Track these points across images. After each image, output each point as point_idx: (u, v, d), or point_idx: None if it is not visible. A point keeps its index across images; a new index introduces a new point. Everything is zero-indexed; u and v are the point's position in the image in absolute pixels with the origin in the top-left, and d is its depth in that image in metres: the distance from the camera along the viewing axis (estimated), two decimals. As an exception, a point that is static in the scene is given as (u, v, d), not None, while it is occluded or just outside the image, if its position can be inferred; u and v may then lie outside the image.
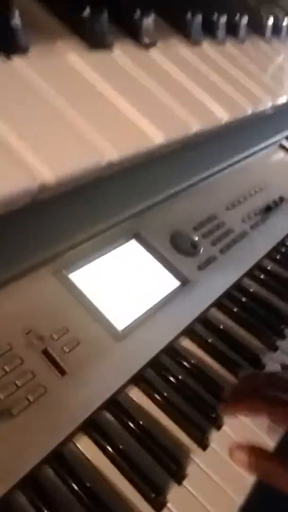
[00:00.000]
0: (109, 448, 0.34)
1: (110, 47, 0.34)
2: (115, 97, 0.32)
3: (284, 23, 0.66)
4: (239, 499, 0.34)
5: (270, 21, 0.60)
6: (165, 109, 0.36)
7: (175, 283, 0.50)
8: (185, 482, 0.34)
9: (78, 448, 0.34)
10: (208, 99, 0.41)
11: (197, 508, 0.33)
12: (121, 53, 0.35)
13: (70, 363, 0.37)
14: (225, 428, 0.39)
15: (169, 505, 0.32)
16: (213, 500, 0.33)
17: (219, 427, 0.39)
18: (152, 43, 0.38)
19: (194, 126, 0.36)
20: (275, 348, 0.49)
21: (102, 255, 0.48)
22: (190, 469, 0.35)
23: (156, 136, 0.32)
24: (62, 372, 0.36)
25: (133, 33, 0.36)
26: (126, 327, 0.42)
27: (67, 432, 0.33)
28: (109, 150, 0.28)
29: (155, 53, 0.39)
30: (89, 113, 0.29)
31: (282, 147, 0.90)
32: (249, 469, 0.33)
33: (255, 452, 0.33)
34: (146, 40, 0.37)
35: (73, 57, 0.31)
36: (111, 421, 0.36)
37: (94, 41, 0.32)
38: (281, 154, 0.88)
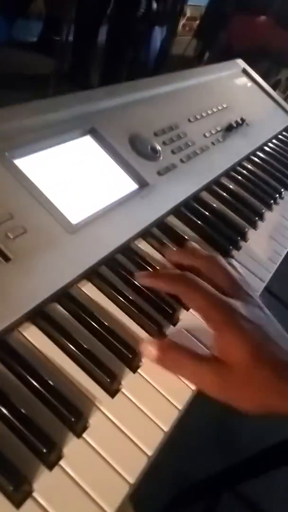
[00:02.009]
0: (60, 337, 0.31)
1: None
2: None
3: None
4: (193, 385, 0.34)
5: None
6: None
7: (133, 185, 0.47)
8: (140, 370, 0.33)
9: (25, 337, 0.31)
10: None
11: (151, 393, 0.32)
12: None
13: (15, 250, 0.33)
14: (180, 323, 0.38)
15: (123, 390, 0.31)
16: (166, 386, 0.33)
17: (174, 323, 0.38)
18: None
19: None
20: (230, 257, 0.49)
21: (52, 146, 0.43)
22: (145, 359, 0.34)
23: None
24: (5, 258, 0.32)
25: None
26: (80, 221, 0.39)
27: (9, 321, 0.30)
28: None
29: None
30: None
31: (245, 72, 0.87)
32: (157, 362, 0.32)
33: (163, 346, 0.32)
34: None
35: None
36: (62, 313, 0.33)
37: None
38: (243, 79, 0.84)
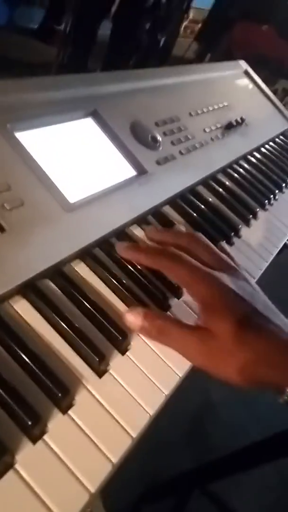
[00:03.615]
0: (50, 313, 0.31)
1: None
2: None
3: None
4: (180, 372, 0.33)
5: None
6: None
7: (131, 171, 0.46)
8: (128, 353, 0.33)
9: (15, 310, 0.30)
10: None
11: (138, 375, 0.32)
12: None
13: (10, 221, 0.32)
14: (172, 310, 0.38)
15: (111, 371, 0.31)
16: (154, 371, 0.32)
17: (165, 310, 0.38)
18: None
19: None
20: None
21: (54, 123, 0.42)
22: (134, 342, 0.33)
23: None
24: (1, 229, 0.31)
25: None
26: (77, 201, 0.38)
27: (1, 291, 0.29)
28: None
29: None
30: None
31: (247, 74, 0.87)
32: (142, 330, 0.32)
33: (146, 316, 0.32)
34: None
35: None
36: (54, 289, 0.33)
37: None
38: (245, 80, 0.85)
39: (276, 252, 0.56)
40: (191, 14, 3.42)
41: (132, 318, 0.32)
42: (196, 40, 3.21)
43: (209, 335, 0.30)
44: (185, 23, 3.35)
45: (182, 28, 3.20)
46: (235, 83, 0.80)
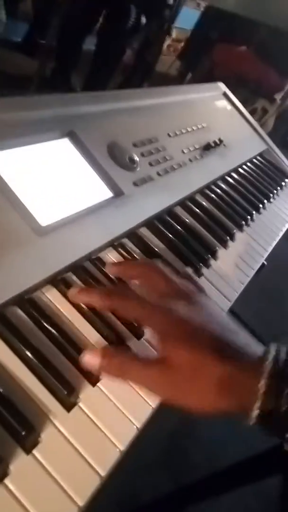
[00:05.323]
0: (17, 343, 0.29)
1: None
2: None
3: None
4: (153, 402, 0.32)
5: None
6: None
7: (108, 193, 0.46)
8: (99, 384, 0.31)
9: (-20, 342, 0.29)
10: None
11: (110, 408, 0.31)
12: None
13: (-22, 247, 0.31)
14: (145, 337, 0.37)
15: (80, 404, 0.30)
16: (126, 403, 0.31)
17: (137, 335, 0.37)
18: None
19: None
20: (200, 274, 0.49)
21: (28, 144, 0.41)
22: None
23: None
24: None
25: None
26: (50, 224, 0.37)
27: None
28: None
29: None
30: None
31: (226, 96, 0.89)
32: (101, 370, 0.31)
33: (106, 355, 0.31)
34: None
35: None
36: (22, 317, 0.31)
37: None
38: (224, 102, 0.87)
39: (253, 274, 0.56)
40: (174, 33, 3.51)
41: (89, 359, 0.30)
42: (179, 58, 3.29)
43: (168, 366, 0.30)
44: (168, 42, 3.43)
45: (165, 47, 3.28)
46: (214, 104, 0.81)
